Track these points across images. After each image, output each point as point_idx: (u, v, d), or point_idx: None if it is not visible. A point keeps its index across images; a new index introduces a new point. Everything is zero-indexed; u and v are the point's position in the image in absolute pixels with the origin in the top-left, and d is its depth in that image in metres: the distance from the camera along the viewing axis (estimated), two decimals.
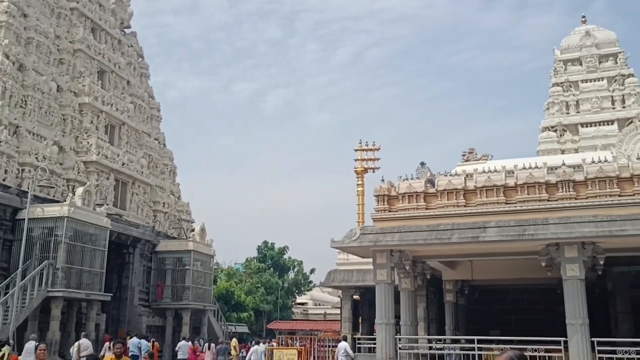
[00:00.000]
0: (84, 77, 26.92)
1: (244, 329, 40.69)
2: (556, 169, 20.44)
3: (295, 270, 51.94)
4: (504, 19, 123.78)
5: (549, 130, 24.80)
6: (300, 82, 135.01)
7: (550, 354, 12.10)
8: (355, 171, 30.01)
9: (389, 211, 13.47)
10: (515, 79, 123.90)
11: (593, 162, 12.51)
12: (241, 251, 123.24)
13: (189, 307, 29.52)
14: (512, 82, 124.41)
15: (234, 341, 25.62)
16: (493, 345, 14.15)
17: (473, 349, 13.47)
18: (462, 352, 14.05)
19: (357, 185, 29.87)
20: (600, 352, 11.49)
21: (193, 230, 31.87)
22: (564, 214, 11.89)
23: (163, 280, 29.90)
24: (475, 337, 13.17)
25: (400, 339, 13.52)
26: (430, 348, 14.83)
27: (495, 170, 16.59)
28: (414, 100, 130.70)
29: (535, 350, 12.32)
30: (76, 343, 16.06)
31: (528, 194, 12.43)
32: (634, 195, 11.59)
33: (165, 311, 29.59)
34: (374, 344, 15.88)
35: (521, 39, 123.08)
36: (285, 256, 51.03)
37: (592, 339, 11.55)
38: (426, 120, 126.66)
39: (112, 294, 25.28)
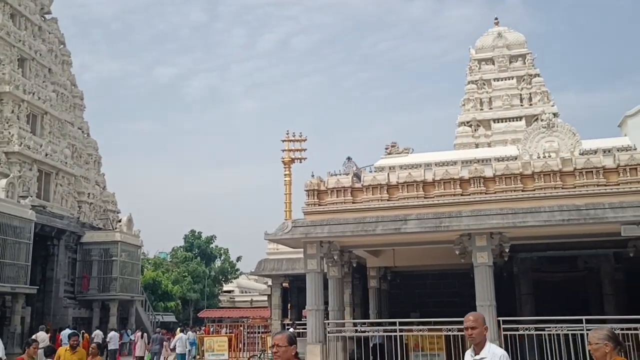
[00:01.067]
0: (3, 65, 26.14)
1: (171, 318, 40.81)
2: (471, 162, 22.09)
3: (222, 258, 52.32)
4: (427, 9, 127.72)
5: (464, 125, 26.52)
6: (225, 67, 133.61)
7: (462, 333, 13.43)
8: (283, 161, 30.77)
9: (319, 205, 14.39)
10: (436, 68, 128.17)
11: (502, 158, 13.83)
12: (167, 240, 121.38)
13: (117, 298, 29.49)
14: (434, 72, 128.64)
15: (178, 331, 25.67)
16: (413, 327, 15.45)
17: (395, 330, 14.69)
18: (384, 333, 15.23)
19: (285, 175, 30.66)
20: (505, 329, 12.92)
21: (120, 221, 31.69)
22: (475, 207, 13.21)
23: (89, 271, 29.68)
24: (397, 320, 14.35)
25: (328, 324, 14.52)
26: (356, 331, 15.99)
27: (416, 166, 17.90)
28: (339, 89, 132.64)
29: (450, 330, 13.67)
30: (34, 336, 16.15)
31: (444, 189, 13.68)
32: (534, 190, 13.07)
33: (92, 303, 29.43)
34: (304, 329, 16.85)
35: (443, 29, 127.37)
36: (212, 245, 51.25)
37: (499, 318, 12.96)
38: (352, 108, 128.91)
39: (37, 287, 24.97)
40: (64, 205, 28.93)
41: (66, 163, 29.23)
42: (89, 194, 31.43)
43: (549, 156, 15.11)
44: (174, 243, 75.98)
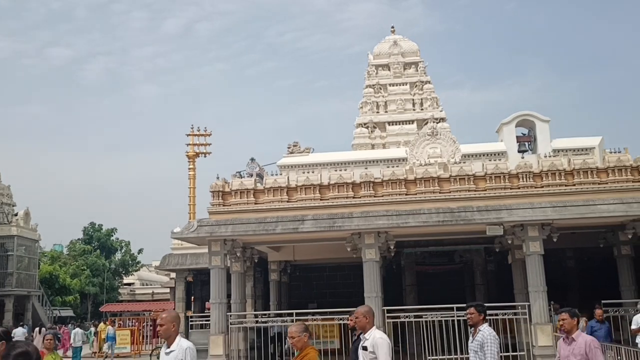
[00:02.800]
0: None
1: (69, 312, 40.00)
2: (366, 162, 23.80)
3: (123, 251, 51.58)
4: (331, 2, 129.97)
5: (362, 126, 28.27)
6: (125, 51, 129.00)
7: (342, 322, 14.95)
8: (187, 155, 31.23)
9: (223, 205, 15.37)
10: (339, 60, 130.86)
11: (393, 160, 15.40)
12: (65, 231, 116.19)
13: (12, 293, 28.85)
14: (337, 64, 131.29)
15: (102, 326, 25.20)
16: (309, 317, 16.85)
17: (293, 320, 16.01)
18: (282, 324, 16.49)
19: (189, 169, 31.16)
20: (389, 317, 14.60)
21: (16, 214, 30.85)
22: (365, 208, 14.75)
23: None
24: (294, 311, 15.67)
25: (230, 316, 15.58)
26: (257, 322, 17.17)
27: (316, 165, 19.33)
28: (243, 77, 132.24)
29: (341, 319, 15.18)
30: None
31: (338, 192, 15.10)
32: (416, 194, 14.79)
33: None
34: (207, 320, 17.78)
35: (346, 23, 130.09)
36: (113, 237, 50.39)
37: (384, 307, 14.61)
38: (257, 98, 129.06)
39: None
40: None
41: None
42: None
43: (433, 162, 17.01)
44: (72, 234, 73.55)
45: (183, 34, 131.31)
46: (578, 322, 6.16)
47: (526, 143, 24.35)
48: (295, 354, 5.44)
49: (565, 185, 14.14)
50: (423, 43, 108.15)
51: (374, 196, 14.97)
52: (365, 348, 5.90)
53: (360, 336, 6.11)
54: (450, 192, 14.67)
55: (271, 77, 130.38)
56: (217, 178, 15.76)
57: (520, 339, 14.44)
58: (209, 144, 31.87)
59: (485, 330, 6.29)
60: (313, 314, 16.93)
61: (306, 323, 16.66)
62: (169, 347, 5.17)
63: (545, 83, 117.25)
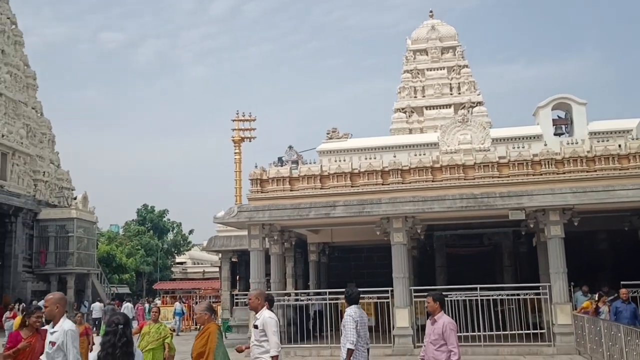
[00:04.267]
0: None
1: (125, 289, 42.48)
2: (402, 147, 24.53)
3: (175, 231, 53.95)
4: None
5: (400, 111, 28.93)
6: (174, 34, 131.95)
7: (382, 300, 15.98)
8: (233, 140, 32.58)
9: (261, 192, 16.53)
10: (386, 39, 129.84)
11: (427, 145, 16.12)
12: (120, 212, 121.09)
13: (73, 271, 31.06)
14: (384, 42, 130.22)
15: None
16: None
17: (331, 299, 17.15)
18: (322, 302, 17.61)
19: (235, 153, 32.51)
20: (416, 297, 15.53)
21: (75, 198, 33.04)
22: (393, 195, 15.63)
23: (46, 247, 31.08)
24: (327, 290, 16.78)
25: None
26: (296, 300, 18.39)
27: (354, 151, 20.37)
28: (289, 58, 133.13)
29: (371, 298, 16.22)
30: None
31: (368, 179, 16.02)
32: (442, 180, 15.55)
33: (49, 276, 30.92)
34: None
35: (394, 0, 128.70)
36: (165, 218, 52.77)
37: (411, 287, 15.54)
38: (302, 78, 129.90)
39: None
40: (21, 184, 30.12)
41: (22, 143, 30.32)
42: (44, 172, 32.57)
43: (463, 148, 17.68)
44: (127, 216, 76.92)
45: (230, 15, 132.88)
46: (442, 305, 6.68)
47: (563, 126, 24.50)
48: (200, 329, 6.41)
49: (587, 172, 14.63)
50: (474, 17, 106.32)
51: (402, 183, 15.82)
52: (256, 326, 6.54)
53: (255, 315, 6.73)
54: (474, 179, 15.37)
55: (317, 57, 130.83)
56: (256, 167, 16.92)
57: (541, 318, 15.13)
58: (254, 129, 33.04)
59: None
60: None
61: (344, 302, 17.87)
62: (53, 327, 5.55)
63: (596, 60, 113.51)
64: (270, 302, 7.03)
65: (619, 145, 14.80)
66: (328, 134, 27.68)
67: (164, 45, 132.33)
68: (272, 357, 6.41)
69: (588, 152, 14.80)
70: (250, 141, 33.39)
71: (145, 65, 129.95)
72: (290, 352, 15.72)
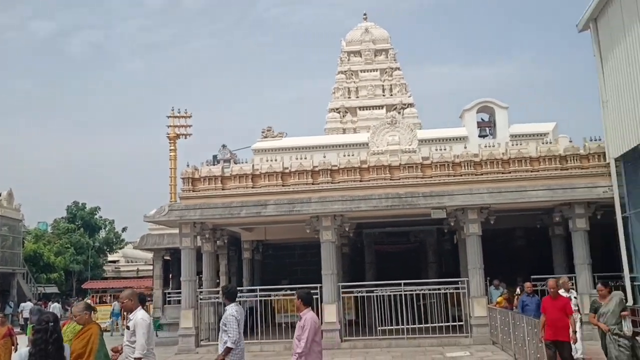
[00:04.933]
0: None
1: (53, 289, 41.27)
2: (335, 147, 25.05)
3: (107, 229, 52.71)
4: None
5: (334, 111, 29.54)
6: (109, 25, 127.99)
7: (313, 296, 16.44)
8: (168, 137, 32.28)
9: (193, 191, 16.69)
10: (330, 37, 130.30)
11: (358, 145, 16.77)
12: (49, 209, 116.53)
13: None
14: (327, 40, 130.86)
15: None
16: (279, 292, 18.33)
17: (265, 296, 17.51)
18: (255, 298, 17.93)
19: (170, 150, 32.18)
20: (344, 292, 16.13)
21: None
22: (322, 194, 16.15)
23: None
24: (258, 287, 17.13)
25: (201, 292, 17.02)
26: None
27: (288, 150, 20.80)
28: (230, 53, 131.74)
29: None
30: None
31: (298, 179, 16.47)
32: (369, 180, 16.19)
33: None
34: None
35: None
36: (96, 216, 51.50)
37: (339, 283, 16.11)
38: (244, 74, 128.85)
39: None
40: None
41: None
42: None
43: (391, 149, 18.39)
44: (56, 213, 74.46)
45: (169, 8, 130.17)
46: (305, 302, 6.98)
47: (487, 128, 25.74)
48: (81, 329, 6.42)
49: (502, 173, 15.61)
50: (411, 18, 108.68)
51: (331, 182, 16.36)
52: (128, 327, 6.60)
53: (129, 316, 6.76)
54: (400, 179, 16.09)
55: (260, 53, 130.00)
56: (188, 166, 17.06)
57: (460, 311, 16.03)
58: (190, 126, 32.74)
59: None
60: (281, 289, 18.39)
61: (276, 298, 18.25)
62: None
63: (526, 63, 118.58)
64: (141, 301, 7.05)
65: (536, 148, 15.84)
66: (263, 132, 27.97)
67: (99, 36, 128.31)
68: (135, 358, 6.39)
69: (504, 154, 15.78)
70: (185, 138, 33.09)
71: (79, 57, 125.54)
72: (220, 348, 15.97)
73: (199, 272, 18.91)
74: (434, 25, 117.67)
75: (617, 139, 13.93)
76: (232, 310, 7.20)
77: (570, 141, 17.43)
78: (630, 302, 13.09)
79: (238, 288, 21.17)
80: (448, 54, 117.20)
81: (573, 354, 11.42)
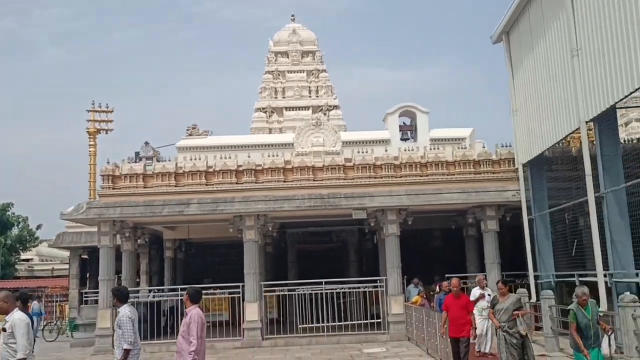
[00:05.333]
0: None
1: None
2: (261, 147, 25.13)
3: (20, 226, 50.29)
4: None
5: (260, 111, 29.63)
6: (26, 12, 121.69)
7: (234, 295, 16.54)
8: (88, 132, 31.28)
9: (113, 188, 16.35)
10: (258, 34, 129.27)
11: (283, 145, 16.98)
12: None
13: None
14: (255, 38, 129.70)
15: None
16: (206, 291, 18.23)
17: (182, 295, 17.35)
18: (175, 298, 17.73)
19: (90, 146, 31.21)
20: (266, 291, 16.30)
21: None
22: (246, 193, 16.24)
23: None
24: (179, 287, 16.99)
25: None
26: (149, 297, 18.39)
27: (214, 148, 20.76)
28: (158, 47, 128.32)
29: (224, 293, 16.75)
30: None
31: (222, 178, 16.48)
32: (293, 181, 16.43)
33: None
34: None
35: None
36: (9, 212, 49.02)
37: (261, 282, 16.27)
38: (170, 69, 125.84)
39: None
40: None
41: None
42: None
43: (315, 150, 18.73)
44: None
45: None
46: (192, 299, 7.17)
47: (408, 132, 26.60)
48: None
49: (420, 176, 16.27)
50: (343, 17, 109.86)
51: (255, 182, 16.49)
52: (4, 329, 6.42)
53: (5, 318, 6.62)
54: (323, 180, 16.44)
55: (187, 48, 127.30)
56: (108, 162, 16.69)
57: (379, 309, 16.57)
58: (111, 121, 31.90)
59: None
60: (203, 288, 18.27)
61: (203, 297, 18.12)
62: None
63: (450, 69, 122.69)
64: (24, 300, 6.93)
65: (453, 152, 16.60)
66: (188, 130, 27.68)
67: (14, 23, 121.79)
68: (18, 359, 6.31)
69: (422, 158, 16.44)
70: (107, 133, 32.19)
71: None
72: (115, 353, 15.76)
73: (118, 272, 18.54)
74: (363, 28, 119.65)
75: (525, 146, 14.84)
76: (125, 312, 7.18)
77: (484, 147, 18.41)
78: (533, 299, 14.00)
79: (159, 287, 21.09)
80: (375, 57, 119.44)
81: (482, 348, 12.16)
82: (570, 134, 12.30)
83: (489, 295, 12.45)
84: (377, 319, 16.45)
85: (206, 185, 16.47)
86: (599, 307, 10.73)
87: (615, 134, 11.31)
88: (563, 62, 12.06)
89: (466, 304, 9.56)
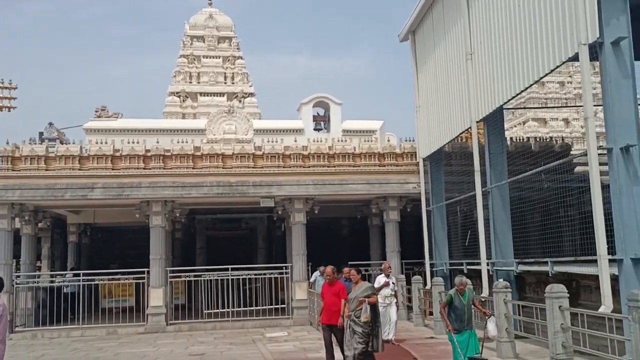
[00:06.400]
0: None
1: None
2: (173, 131, 24.88)
3: None
4: None
5: (174, 95, 29.22)
6: None
7: (140, 281, 16.45)
8: None
9: (13, 170, 15.76)
10: (180, 13, 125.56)
11: (196, 131, 16.96)
12: None
13: None
14: (173, 17, 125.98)
15: None
16: (105, 278, 17.96)
17: (92, 280, 17.09)
18: (82, 283, 17.36)
19: None
20: (171, 277, 16.33)
21: None
22: (154, 179, 16.14)
23: None
24: (81, 272, 16.70)
25: (18, 276, 16.19)
26: (51, 282, 17.90)
27: (123, 131, 20.39)
28: (70, 21, 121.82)
29: (129, 278, 16.63)
30: None
31: (130, 163, 16.28)
32: (202, 168, 16.50)
33: None
34: None
35: None
36: None
37: (167, 268, 16.28)
38: (82, 45, 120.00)
39: None
40: None
41: None
42: None
43: (228, 138, 18.82)
44: None
45: None
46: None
47: (322, 122, 27.15)
48: None
49: (328, 166, 16.79)
50: (263, 2, 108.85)
51: (164, 168, 16.41)
52: None
53: None
54: (232, 168, 16.61)
55: (101, 24, 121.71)
56: (7, 143, 16.06)
57: (284, 295, 17.02)
58: (14, 98, 30.40)
59: None
60: (107, 274, 17.99)
61: (101, 282, 17.87)
62: None
63: (368, 60, 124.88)
64: None
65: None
66: (97, 112, 26.94)
67: None
68: None
69: (330, 149, 16.96)
70: (9, 111, 30.67)
71: None
72: (37, 334, 15.43)
73: (17, 256, 17.92)
74: (284, 12, 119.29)
75: (426, 141, 15.68)
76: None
77: (388, 140, 19.19)
78: (428, 286, 14.89)
79: (60, 272, 20.50)
80: (295, 45, 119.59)
81: (385, 336, 12.52)
82: (463, 132, 13.16)
83: (393, 283, 13.00)
84: (282, 304, 16.90)
85: (112, 169, 16.22)
86: (482, 293, 11.70)
87: (502, 134, 12.26)
88: (459, 64, 12.87)
89: (339, 292, 9.08)
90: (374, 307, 8.43)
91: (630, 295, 6.24)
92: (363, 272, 16.06)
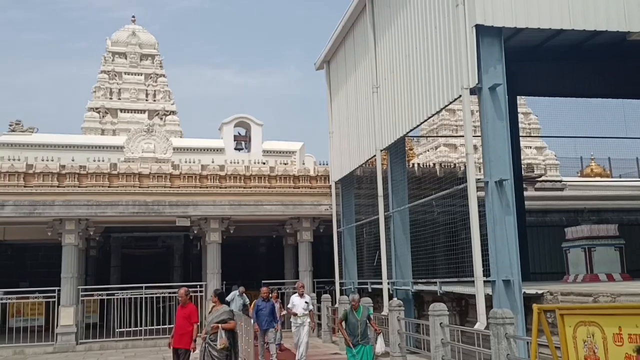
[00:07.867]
0: None
1: None
2: (91, 148, 24.61)
3: None
4: None
5: (93, 110, 28.88)
6: None
7: (49, 299, 16.26)
8: None
9: None
10: (100, 23, 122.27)
11: (116, 148, 17.01)
12: None
13: None
14: (98, 26, 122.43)
15: None
16: (14, 296, 17.54)
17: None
18: None
19: None
20: (83, 295, 16.25)
21: None
22: (68, 197, 16.10)
23: None
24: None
25: None
26: None
27: (39, 146, 20.01)
28: None
29: (49, 298, 16.41)
30: None
31: (43, 180, 16.19)
32: (118, 187, 16.64)
33: None
34: None
35: None
36: None
37: (79, 287, 16.20)
38: None
39: None
40: None
41: None
42: None
43: (146, 156, 18.97)
44: None
45: None
46: None
47: (243, 142, 27.65)
48: None
49: (244, 187, 17.33)
50: (189, 17, 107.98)
51: (78, 186, 16.42)
52: None
53: None
54: (149, 187, 16.83)
55: (14, 29, 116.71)
56: None
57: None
58: None
59: None
60: (16, 292, 17.61)
61: (8, 302, 17.45)
62: None
63: (296, 79, 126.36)
64: None
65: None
66: (11, 125, 26.22)
67: None
68: None
69: (246, 170, 17.51)
70: None
71: None
72: None
73: None
74: (211, 28, 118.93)
75: (338, 165, 16.54)
76: None
77: (304, 163, 19.96)
78: (336, 304, 15.62)
79: None
80: (221, 60, 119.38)
81: (298, 357, 12.72)
82: (369, 159, 14.08)
83: (306, 302, 13.23)
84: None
85: (24, 187, 16.07)
86: (383, 311, 12.53)
87: (403, 162, 13.24)
88: (367, 96, 13.82)
89: (189, 314, 8.80)
90: (232, 332, 8.21)
91: (491, 314, 7.15)
92: (276, 291, 16.80)
